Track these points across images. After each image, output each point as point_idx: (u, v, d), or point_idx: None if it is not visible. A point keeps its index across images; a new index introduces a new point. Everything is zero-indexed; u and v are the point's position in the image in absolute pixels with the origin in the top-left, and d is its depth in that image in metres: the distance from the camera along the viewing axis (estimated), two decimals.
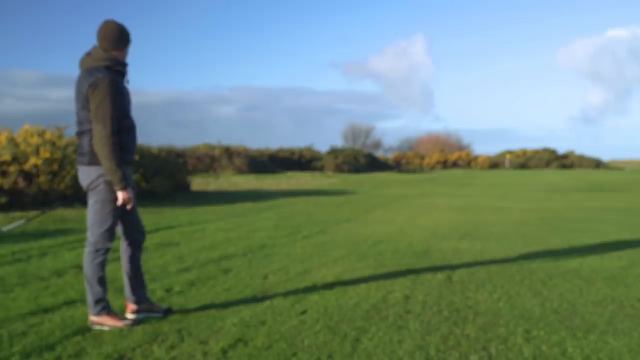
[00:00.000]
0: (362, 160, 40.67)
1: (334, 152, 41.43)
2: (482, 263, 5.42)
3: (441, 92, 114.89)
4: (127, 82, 3.47)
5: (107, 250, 3.43)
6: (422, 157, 55.86)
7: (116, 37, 3.36)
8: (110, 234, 3.41)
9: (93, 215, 3.37)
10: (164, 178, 14.13)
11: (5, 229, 3.97)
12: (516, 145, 60.19)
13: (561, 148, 61.19)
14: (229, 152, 31.17)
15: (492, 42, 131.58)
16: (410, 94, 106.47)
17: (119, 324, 3.38)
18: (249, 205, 12.69)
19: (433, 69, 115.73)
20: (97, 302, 3.39)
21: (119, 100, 3.28)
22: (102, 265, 3.42)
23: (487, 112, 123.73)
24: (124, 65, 3.41)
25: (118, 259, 5.68)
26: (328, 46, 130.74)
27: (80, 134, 3.37)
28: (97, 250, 3.39)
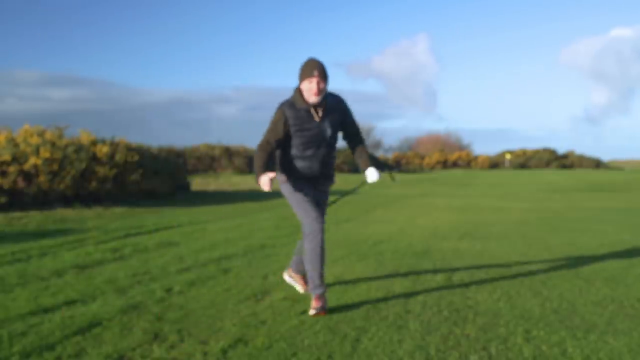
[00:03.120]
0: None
1: None
2: (482, 263, 5.42)
3: (444, 92, 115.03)
4: (316, 117, 3.69)
5: (316, 233, 3.72)
6: (422, 157, 55.85)
7: (300, 70, 3.68)
8: (305, 219, 3.75)
9: None
10: (164, 178, 14.14)
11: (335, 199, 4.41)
12: (519, 146, 60.12)
13: (563, 148, 61.13)
14: (229, 152, 31.16)
15: (496, 41, 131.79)
16: (413, 93, 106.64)
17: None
18: (249, 205, 12.70)
19: (436, 69, 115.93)
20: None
21: (277, 127, 3.67)
22: (317, 240, 3.74)
23: (490, 112, 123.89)
24: (301, 98, 3.66)
25: (119, 258, 5.69)
26: (331, 46, 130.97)
27: None
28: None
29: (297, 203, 3.77)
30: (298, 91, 3.68)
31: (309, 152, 3.72)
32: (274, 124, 3.67)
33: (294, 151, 3.73)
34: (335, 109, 3.75)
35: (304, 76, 3.62)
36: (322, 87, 3.62)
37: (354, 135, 3.92)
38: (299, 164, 3.75)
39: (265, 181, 3.60)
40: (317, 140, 3.70)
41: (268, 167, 3.68)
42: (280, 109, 3.67)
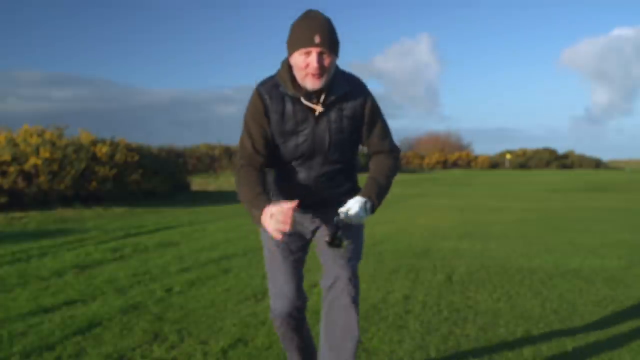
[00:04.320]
0: (362, 160, 40.65)
1: None
2: (482, 263, 5.42)
3: (446, 91, 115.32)
4: (312, 112, 2.14)
5: (283, 317, 2.24)
6: (422, 157, 55.84)
7: (290, 33, 2.12)
8: (274, 292, 2.28)
9: None
10: (164, 178, 14.14)
11: None
12: (520, 145, 60.32)
13: (564, 148, 61.21)
14: (229, 152, 31.16)
15: (498, 41, 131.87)
16: (415, 93, 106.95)
17: None
18: None
19: (438, 68, 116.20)
20: None
21: (257, 124, 2.14)
22: (285, 333, 2.30)
23: (492, 112, 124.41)
24: (291, 80, 2.12)
25: (119, 258, 5.69)
26: None
27: None
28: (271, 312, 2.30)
29: (269, 260, 2.31)
30: (286, 67, 2.14)
31: (295, 168, 2.21)
32: (251, 119, 2.15)
33: (276, 164, 2.24)
34: (347, 99, 2.17)
35: (296, 43, 2.06)
36: (329, 63, 2.06)
37: (377, 147, 2.35)
38: (282, 184, 2.27)
39: (269, 220, 1.91)
40: (309, 151, 2.17)
41: (265, 190, 2.10)
42: (257, 94, 2.15)
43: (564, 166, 53.18)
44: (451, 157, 56.29)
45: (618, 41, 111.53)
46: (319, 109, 2.14)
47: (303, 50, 2.04)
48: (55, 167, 10.99)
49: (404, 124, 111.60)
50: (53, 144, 11.37)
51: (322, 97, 2.13)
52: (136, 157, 12.95)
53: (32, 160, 10.68)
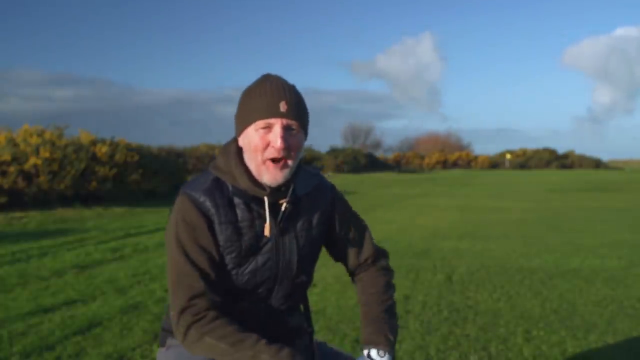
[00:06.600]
0: (362, 160, 40.67)
1: (334, 152, 41.43)
2: (482, 263, 5.42)
3: (448, 91, 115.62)
4: (271, 222, 1.42)
5: None
6: (422, 157, 55.87)
7: (241, 104, 1.44)
8: None
9: None
10: (164, 178, 14.14)
11: None
12: (521, 146, 60.50)
13: (564, 148, 61.36)
14: None
15: (500, 41, 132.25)
16: (417, 93, 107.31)
17: None
18: None
19: (440, 68, 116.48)
20: None
21: (199, 253, 1.37)
22: None
23: (494, 112, 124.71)
24: (242, 172, 1.41)
25: (119, 258, 5.69)
26: (334, 44, 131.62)
27: None
28: None
29: None
30: (234, 153, 1.44)
31: (241, 304, 1.44)
32: (188, 239, 1.36)
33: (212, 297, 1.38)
34: (316, 198, 1.53)
35: (252, 114, 1.38)
36: (297, 144, 1.40)
37: (365, 252, 1.59)
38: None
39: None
40: (272, 276, 1.45)
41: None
42: (190, 201, 1.38)
43: (564, 166, 53.26)
44: (451, 157, 56.33)
45: (621, 40, 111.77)
46: (282, 209, 1.44)
47: (262, 122, 1.37)
48: (55, 167, 10.99)
49: (405, 124, 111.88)
50: (53, 144, 11.37)
51: (288, 194, 1.43)
52: (136, 157, 12.95)
53: (32, 160, 10.69)
